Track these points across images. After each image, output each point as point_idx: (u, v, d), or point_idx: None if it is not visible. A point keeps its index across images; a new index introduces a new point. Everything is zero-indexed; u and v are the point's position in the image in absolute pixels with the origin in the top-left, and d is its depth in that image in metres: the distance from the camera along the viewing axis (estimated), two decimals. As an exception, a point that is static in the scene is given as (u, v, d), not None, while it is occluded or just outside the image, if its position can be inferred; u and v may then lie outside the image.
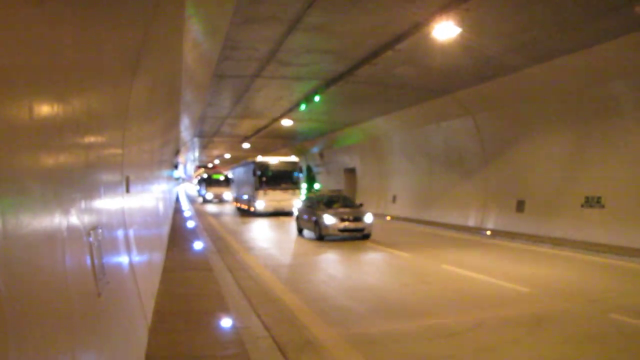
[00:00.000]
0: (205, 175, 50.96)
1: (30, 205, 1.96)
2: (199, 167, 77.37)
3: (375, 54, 12.36)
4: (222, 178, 49.60)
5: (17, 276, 1.76)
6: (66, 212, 2.49)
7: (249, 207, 29.77)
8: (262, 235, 19.64)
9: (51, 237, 2.19)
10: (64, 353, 2.21)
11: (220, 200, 48.11)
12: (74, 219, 2.64)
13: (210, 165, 66.20)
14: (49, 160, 2.29)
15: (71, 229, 2.54)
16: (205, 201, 48.29)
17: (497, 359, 5.44)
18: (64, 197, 2.51)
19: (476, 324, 6.65)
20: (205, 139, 35.77)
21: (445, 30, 9.67)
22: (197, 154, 51.09)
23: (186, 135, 27.82)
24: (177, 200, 43.57)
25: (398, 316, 7.20)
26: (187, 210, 32.66)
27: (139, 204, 7.26)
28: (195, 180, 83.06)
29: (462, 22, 9.46)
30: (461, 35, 9.99)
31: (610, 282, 9.19)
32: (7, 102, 1.74)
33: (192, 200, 50.24)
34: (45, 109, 2.15)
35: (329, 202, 17.45)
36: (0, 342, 1.56)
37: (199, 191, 61.78)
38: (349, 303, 7.92)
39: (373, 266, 11.79)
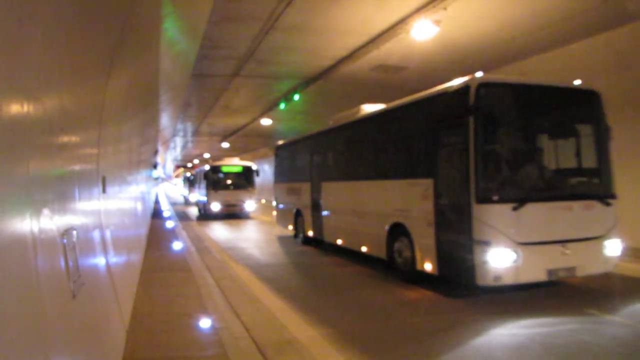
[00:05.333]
0: (206, 168, 26.98)
1: (-2, 207, 1.92)
2: (178, 166, 76.65)
3: (353, 53, 12.39)
4: (240, 172, 26.89)
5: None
6: (38, 213, 2.44)
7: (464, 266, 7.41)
8: None
9: (22, 239, 2.15)
10: (35, 357, 2.17)
11: (236, 212, 25.90)
12: (47, 220, 2.60)
13: (189, 164, 65.20)
14: (19, 161, 2.24)
15: (44, 231, 2.50)
16: (204, 214, 27.50)
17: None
18: (36, 197, 2.46)
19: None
20: (185, 138, 35.50)
21: (423, 30, 9.74)
22: (176, 153, 50.67)
23: (165, 134, 27.54)
24: (157, 202, 37.96)
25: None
26: (170, 220, 22.21)
27: (116, 204, 7.18)
28: (181, 179, 63.27)
29: (439, 21, 9.53)
30: (439, 34, 10.06)
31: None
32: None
33: (180, 215, 28.80)
34: (14, 108, 2.11)
35: None
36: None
37: (187, 197, 40.98)
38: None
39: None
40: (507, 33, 10.83)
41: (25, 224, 2.22)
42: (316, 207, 13.57)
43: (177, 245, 13.31)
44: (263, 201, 25.76)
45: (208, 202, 25.66)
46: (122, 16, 4.44)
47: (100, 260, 4.62)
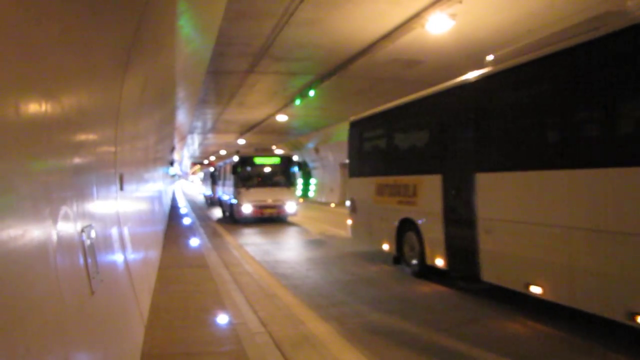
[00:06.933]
0: (234, 159, 21.04)
1: (18, 205, 1.95)
2: (195, 163, 77.07)
3: (368, 47, 12.34)
4: (277, 164, 21.39)
5: (6, 275, 1.74)
6: (57, 210, 2.47)
7: None
8: None
9: (41, 237, 2.18)
10: (56, 352, 2.20)
11: (273, 216, 20.35)
12: (66, 217, 2.63)
13: (205, 161, 65.39)
14: (37, 159, 2.27)
15: (63, 228, 2.53)
16: (229, 217, 22.61)
17: None
18: (55, 195, 2.49)
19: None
20: (201, 135, 35.66)
21: (438, 24, 9.68)
22: (192, 150, 50.93)
23: (181, 131, 27.69)
24: (174, 200, 36.46)
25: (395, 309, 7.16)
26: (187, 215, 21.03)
27: (134, 201, 7.25)
28: (202, 175, 55.69)
29: (455, 15, 9.46)
30: (454, 28, 9.99)
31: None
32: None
33: (201, 217, 24.17)
34: (32, 107, 2.14)
35: None
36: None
37: (208, 195, 35.82)
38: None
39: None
40: (523, 26, 10.70)
41: (45, 222, 2.25)
42: (459, 219, 7.92)
43: (193, 242, 13.40)
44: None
45: (237, 203, 20.10)
46: (137, 14, 4.47)
47: (118, 257, 4.66)
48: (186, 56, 10.97)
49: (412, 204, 9.27)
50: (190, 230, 16.74)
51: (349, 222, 12.33)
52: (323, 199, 35.59)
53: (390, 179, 10.21)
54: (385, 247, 10.30)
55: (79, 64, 3.01)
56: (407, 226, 9.44)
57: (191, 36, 10.16)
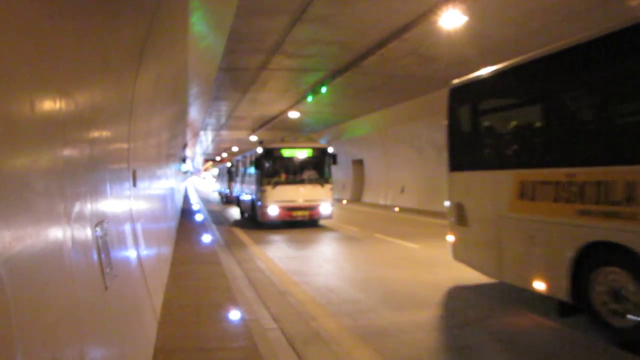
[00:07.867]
0: (258, 152, 17.27)
1: (33, 200, 1.96)
2: (207, 160, 77.20)
3: (381, 44, 12.30)
4: (309, 157, 17.65)
5: (21, 271, 1.76)
6: (71, 206, 2.49)
7: None
8: None
9: (56, 232, 2.19)
10: (71, 347, 2.22)
11: (306, 219, 16.86)
12: (80, 213, 2.65)
13: (218, 158, 65.39)
14: (52, 155, 2.29)
15: (76, 224, 2.54)
16: (249, 219, 20.12)
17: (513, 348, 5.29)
18: (69, 191, 2.51)
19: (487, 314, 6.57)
20: (213, 132, 35.76)
21: (451, 19, 9.63)
22: (204, 147, 51.08)
23: (194, 128, 27.77)
24: (187, 197, 36.24)
25: (406, 307, 7.18)
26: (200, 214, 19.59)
27: (147, 198, 7.28)
28: (217, 170, 51.86)
29: (468, 10, 9.40)
30: (468, 23, 9.92)
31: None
32: (7, 97, 1.74)
33: (216, 219, 21.67)
34: (47, 104, 2.15)
35: None
36: (5, 337, 1.56)
37: (223, 192, 34.04)
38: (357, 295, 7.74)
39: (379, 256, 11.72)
40: (537, 21, 10.61)
41: (59, 218, 2.26)
42: None
43: (206, 238, 13.45)
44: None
45: (262, 204, 16.83)
46: (150, 11, 4.48)
47: (131, 253, 4.69)
48: (198, 53, 10.99)
49: (620, 218, 5.08)
50: (203, 228, 16.77)
51: (451, 238, 8.30)
52: (335, 196, 35.57)
53: (557, 173, 5.92)
54: (540, 286, 6.17)
55: (93, 60, 3.02)
56: (601, 256, 5.47)
57: (203, 33, 10.19)
